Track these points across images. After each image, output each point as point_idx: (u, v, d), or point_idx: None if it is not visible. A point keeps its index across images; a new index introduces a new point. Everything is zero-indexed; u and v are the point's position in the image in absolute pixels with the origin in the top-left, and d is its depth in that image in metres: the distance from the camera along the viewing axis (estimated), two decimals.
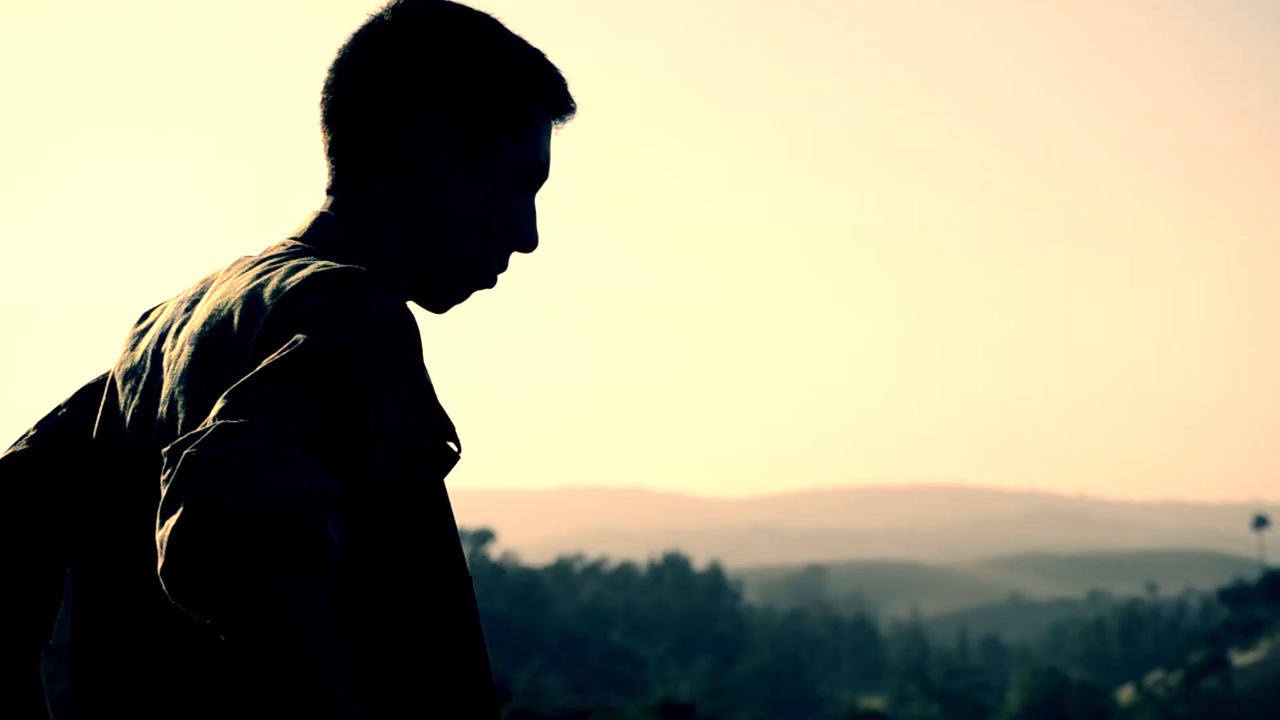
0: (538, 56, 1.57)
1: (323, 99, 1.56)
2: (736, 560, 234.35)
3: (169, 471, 1.17)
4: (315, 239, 1.51)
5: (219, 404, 1.23)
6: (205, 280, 1.54)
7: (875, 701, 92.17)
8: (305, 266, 1.38)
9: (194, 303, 1.50)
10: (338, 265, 1.37)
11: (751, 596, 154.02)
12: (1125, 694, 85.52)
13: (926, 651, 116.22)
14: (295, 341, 1.26)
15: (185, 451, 1.16)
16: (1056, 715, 76.54)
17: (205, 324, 1.42)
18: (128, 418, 1.49)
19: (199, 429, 1.20)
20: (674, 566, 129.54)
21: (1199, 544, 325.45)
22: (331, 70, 1.56)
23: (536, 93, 1.55)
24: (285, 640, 1.13)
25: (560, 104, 1.57)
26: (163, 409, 1.42)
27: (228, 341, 1.38)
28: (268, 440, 1.17)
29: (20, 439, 1.65)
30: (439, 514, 1.42)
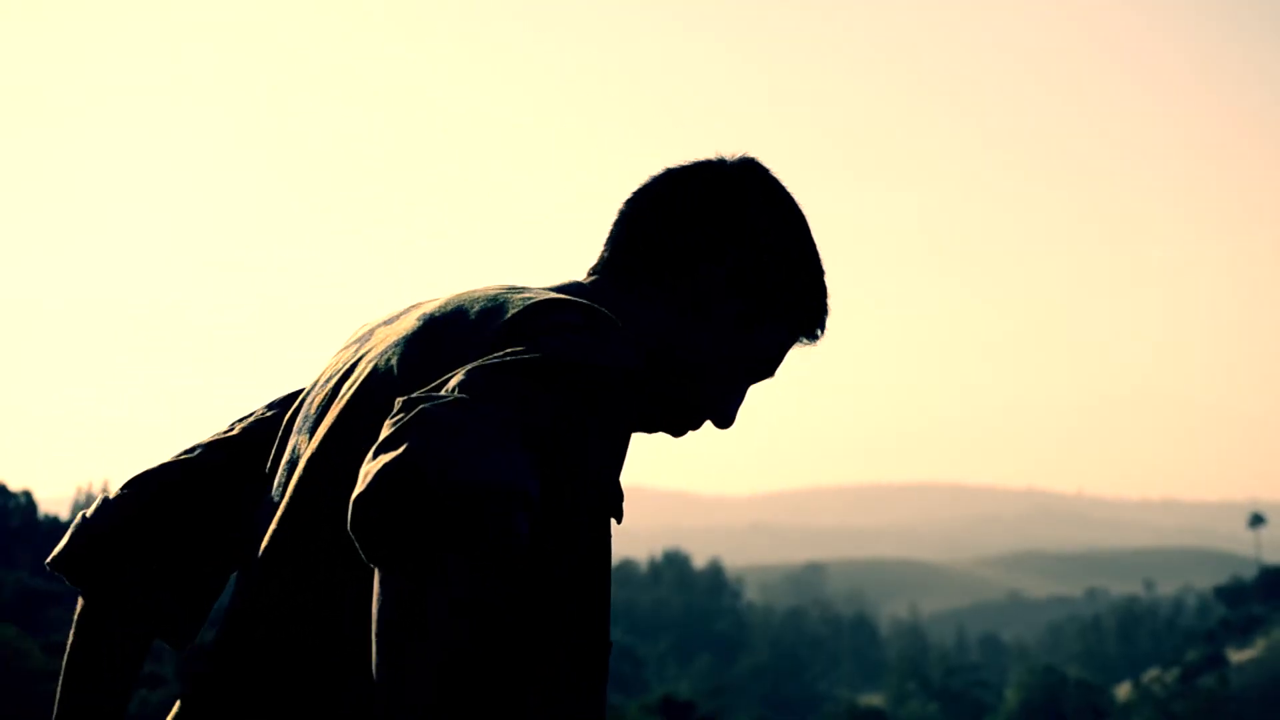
0: (822, 276, 1.65)
1: (643, 198, 1.62)
2: (736, 558, 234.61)
3: (399, 416, 1.18)
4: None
5: (460, 375, 1.24)
6: (446, 296, 1.57)
7: (874, 699, 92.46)
8: (558, 294, 1.43)
9: (427, 303, 1.54)
10: (591, 304, 1.41)
11: (751, 595, 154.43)
12: (1123, 691, 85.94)
13: (925, 649, 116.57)
14: (546, 345, 1.29)
15: (421, 405, 1.18)
16: (1054, 713, 76.89)
17: (441, 309, 1.46)
18: (330, 383, 1.51)
19: (438, 390, 1.22)
20: (674, 564, 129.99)
21: (1196, 542, 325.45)
22: (663, 180, 1.63)
23: (808, 307, 1.63)
24: (438, 613, 1.13)
25: (815, 329, 1.65)
26: (366, 367, 1.45)
27: (461, 326, 1.40)
28: (499, 428, 1.18)
29: (222, 430, 1.68)
30: (598, 568, 1.39)
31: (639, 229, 1.60)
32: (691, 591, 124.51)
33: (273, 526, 1.44)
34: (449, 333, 1.40)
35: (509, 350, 1.29)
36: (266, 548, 1.43)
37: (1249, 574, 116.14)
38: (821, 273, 1.65)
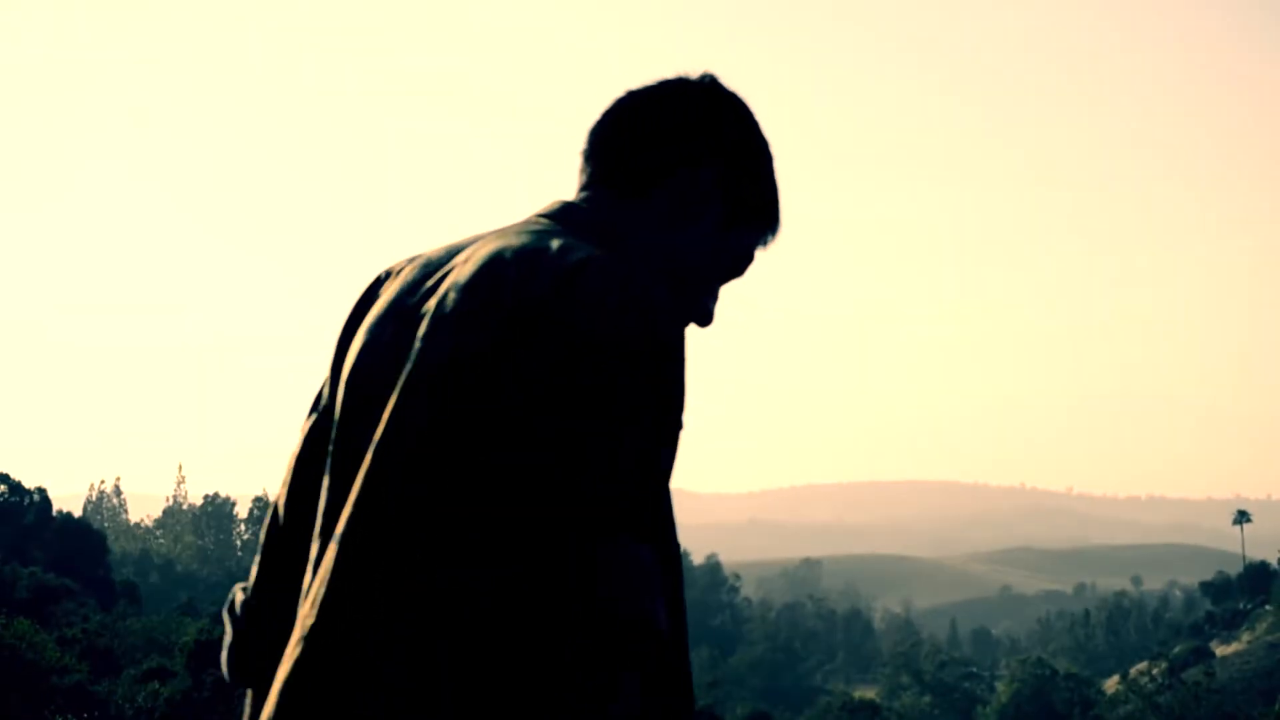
0: (777, 182, 1.75)
1: (618, 117, 1.68)
2: (734, 554, 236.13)
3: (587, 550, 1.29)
4: (566, 224, 1.59)
5: (600, 505, 1.31)
6: (448, 247, 1.60)
7: (868, 692, 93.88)
8: (578, 246, 1.46)
9: (443, 264, 1.56)
10: (614, 254, 1.45)
11: (748, 590, 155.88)
12: (1111, 684, 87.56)
13: (918, 643, 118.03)
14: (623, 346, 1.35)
15: (601, 552, 1.29)
16: (1044, 705, 78.60)
17: (474, 274, 1.46)
18: (373, 361, 1.52)
19: (590, 503, 1.30)
20: None
21: (1182, 539, 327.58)
22: (635, 100, 1.68)
23: (775, 210, 1.73)
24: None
25: (776, 230, 1.74)
26: (420, 346, 1.45)
27: (501, 291, 1.41)
28: (649, 567, 1.31)
29: (310, 413, 1.70)
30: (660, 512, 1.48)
31: (621, 145, 1.65)
32: (690, 587, 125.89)
33: (344, 520, 1.42)
34: (492, 302, 1.41)
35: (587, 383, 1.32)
36: (339, 538, 1.42)
37: (1234, 569, 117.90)
38: (775, 175, 1.73)
